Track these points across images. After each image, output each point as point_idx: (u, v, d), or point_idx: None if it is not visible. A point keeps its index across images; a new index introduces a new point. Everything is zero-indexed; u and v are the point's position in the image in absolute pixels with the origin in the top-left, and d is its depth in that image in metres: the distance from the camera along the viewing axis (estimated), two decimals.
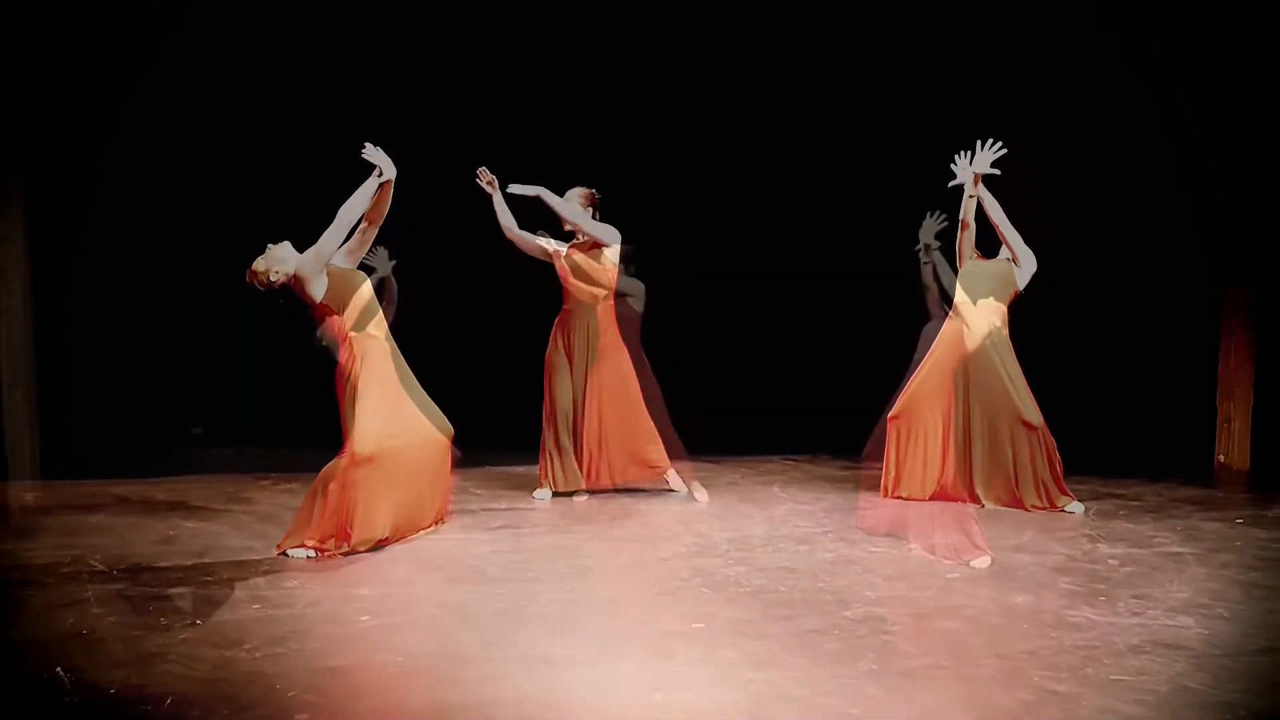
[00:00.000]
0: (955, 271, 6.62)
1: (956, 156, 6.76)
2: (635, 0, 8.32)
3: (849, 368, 8.06)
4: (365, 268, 5.87)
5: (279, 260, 5.74)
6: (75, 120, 7.63)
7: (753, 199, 9.13)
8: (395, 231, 6.40)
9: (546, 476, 7.08)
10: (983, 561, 5.49)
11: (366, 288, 5.96)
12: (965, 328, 5.68)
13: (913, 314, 7.02)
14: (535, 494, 7.07)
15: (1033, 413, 6.84)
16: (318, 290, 5.74)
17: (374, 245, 5.84)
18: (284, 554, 5.60)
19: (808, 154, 8.63)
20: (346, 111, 8.00)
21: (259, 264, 5.75)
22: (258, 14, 7.94)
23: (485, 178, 6.87)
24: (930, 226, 5.70)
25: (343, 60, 8.33)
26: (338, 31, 8.24)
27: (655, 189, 8.14)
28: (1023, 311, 6.97)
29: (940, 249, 5.70)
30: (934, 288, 5.68)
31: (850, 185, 8.61)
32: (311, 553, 5.58)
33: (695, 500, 7.00)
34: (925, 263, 5.71)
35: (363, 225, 5.85)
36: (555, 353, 7.07)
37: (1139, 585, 5.30)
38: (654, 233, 7.70)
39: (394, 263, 5.89)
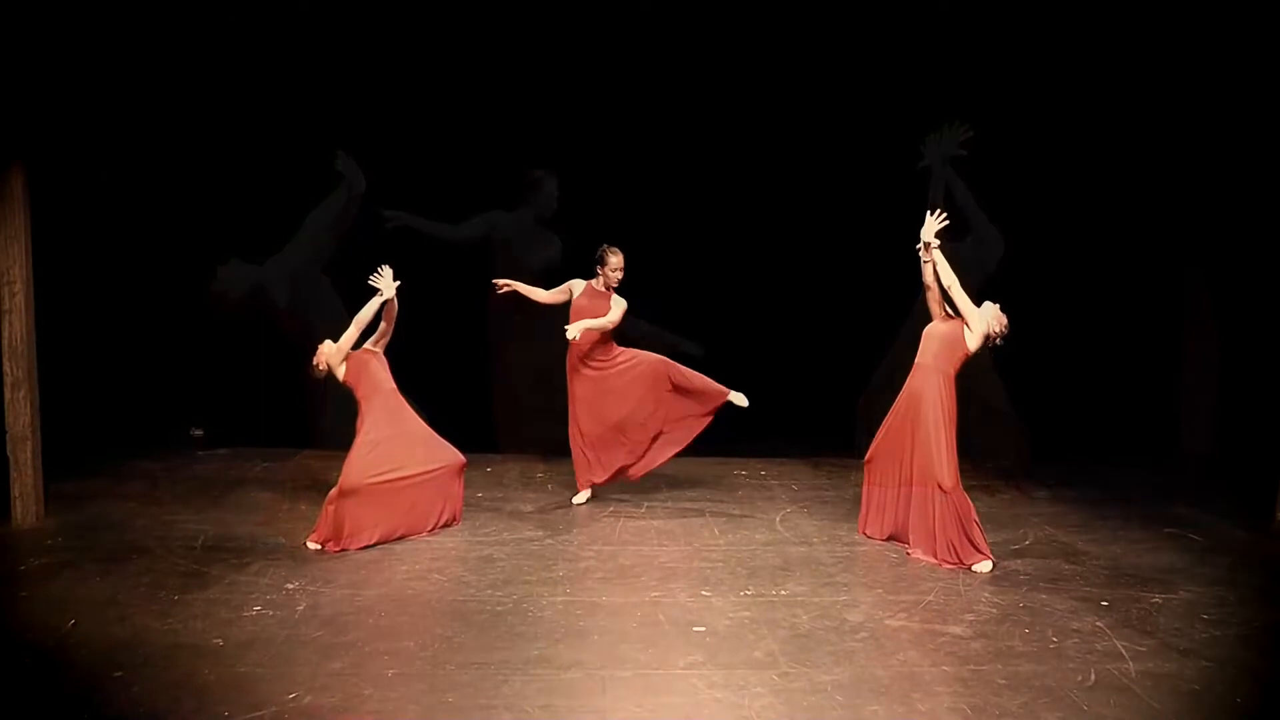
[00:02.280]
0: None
1: (926, 139, 6.86)
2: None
3: (849, 368, 8.15)
4: (369, 289, 6.05)
5: (231, 277, 5.90)
6: (78, 121, 7.65)
7: (751, 201, 9.05)
8: (398, 247, 6.47)
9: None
10: (984, 566, 5.47)
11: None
12: (967, 330, 5.67)
13: (910, 313, 7.08)
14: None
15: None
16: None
17: (379, 266, 6.02)
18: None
19: (805, 152, 8.53)
20: (354, 115, 8.00)
21: (214, 287, 5.90)
22: (260, 16, 7.89)
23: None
24: (932, 225, 5.72)
25: (349, 65, 8.27)
26: (339, 33, 8.18)
27: (636, 184, 8.13)
28: (992, 298, 7.06)
29: (940, 248, 5.70)
30: (935, 287, 5.68)
31: (849, 185, 8.55)
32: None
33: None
34: (926, 262, 5.71)
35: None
36: None
37: (1106, 571, 5.43)
38: (650, 234, 7.70)
39: (398, 283, 5.95)
